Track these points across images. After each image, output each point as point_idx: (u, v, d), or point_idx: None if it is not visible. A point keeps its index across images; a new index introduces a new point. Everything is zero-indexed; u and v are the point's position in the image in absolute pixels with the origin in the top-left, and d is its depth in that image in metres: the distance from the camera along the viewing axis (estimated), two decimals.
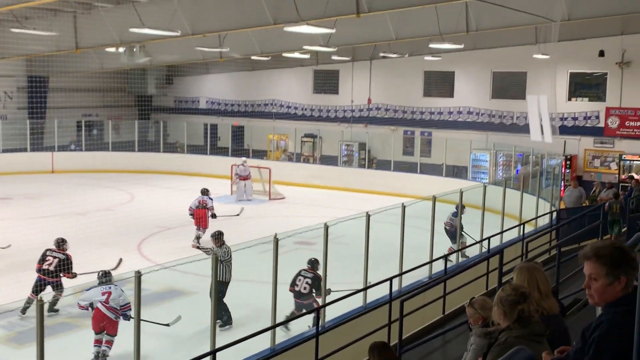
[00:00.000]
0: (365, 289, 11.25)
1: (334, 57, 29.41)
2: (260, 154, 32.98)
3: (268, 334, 9.37)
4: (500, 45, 27.88)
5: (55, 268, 12.76)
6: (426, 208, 13.67)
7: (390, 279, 10.94)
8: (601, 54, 26.16)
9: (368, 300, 11.35)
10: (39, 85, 31.10)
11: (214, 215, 18.54)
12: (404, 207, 12.33)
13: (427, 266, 13.13)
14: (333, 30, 17.76)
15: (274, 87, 35.03)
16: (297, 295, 11.86)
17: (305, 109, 34.25)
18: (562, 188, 23.13)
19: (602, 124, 27.13)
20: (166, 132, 35.09)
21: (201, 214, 18.44)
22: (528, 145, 24.18)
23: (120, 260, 12.69)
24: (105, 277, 11.12)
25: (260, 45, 25.30)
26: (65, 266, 12.80)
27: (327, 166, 30.87)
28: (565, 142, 26.26)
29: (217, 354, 7.71)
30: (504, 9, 17.79)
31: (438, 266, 13.19)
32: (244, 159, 27.10)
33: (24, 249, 15.99)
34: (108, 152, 32.30)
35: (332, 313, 10.62)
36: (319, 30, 17.41)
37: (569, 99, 27.81)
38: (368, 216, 11.41)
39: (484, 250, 15.10)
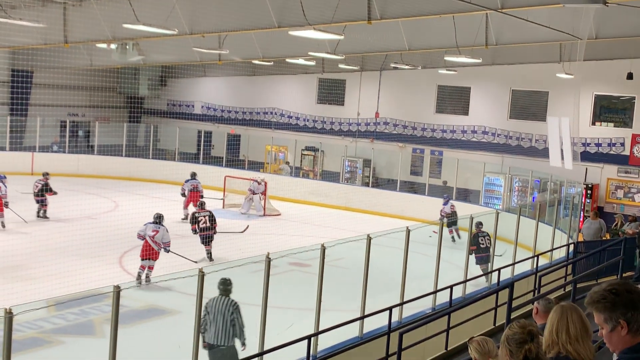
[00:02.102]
0: (362, 317, 11.22)
1: (341, 66, 29.50)
2: (256, 166, 33.01)
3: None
4: (521, 62, 27.95)
5: (210, 223, 18.41)
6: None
7: (390, 309, 10.91)
8: (629, 76, 26.12)
9: (365, 331, 11.31)
10: (23, 80, 31.13)
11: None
12: (408, 231, 12.32)
13: (431, 297, 13.10)
14: (341, 37, 17.80)
15: (275, 95, 35.08)
16: (480, 250, 16.86)
17: (307, 120, 34.27)
18: (581, 219, 23.12)
19: (627, 152, 27.16)
20: (157, 137, 35.12)
21: (195, 196, 23.07)
22: (546, 171, 24.20)
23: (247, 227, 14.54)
24: (158, 219, 16.19)
25: (263, 49, 25.38)
26: (214, 219, 18.61)
27: (327, 182, 30.89)
28: (586, 169, 26.27)
29: None
30: (527, 24, 17.80)
31: (442, 297, 13.16)
32: (262, 177, 27.17)
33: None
34: (93, 156, 32.33)
35: (325, 342, 10.58)
36: (327, 36, 17.43)
37: (593, 123, 27.85)
38: (369, 239, 11.39)
39: (493, 282, 15.08)
